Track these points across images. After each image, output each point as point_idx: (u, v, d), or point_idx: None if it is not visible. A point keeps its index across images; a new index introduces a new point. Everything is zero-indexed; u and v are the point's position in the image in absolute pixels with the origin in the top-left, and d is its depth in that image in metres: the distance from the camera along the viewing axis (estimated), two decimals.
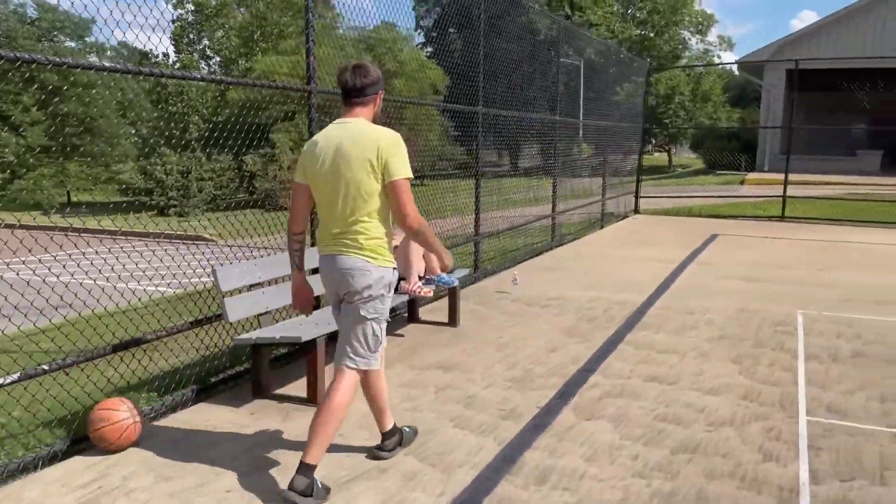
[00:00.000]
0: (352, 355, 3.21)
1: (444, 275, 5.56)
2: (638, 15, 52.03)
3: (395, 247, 5.50)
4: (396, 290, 5.24)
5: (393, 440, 3.58)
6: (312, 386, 4.19)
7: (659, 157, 54.25)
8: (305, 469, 3.06)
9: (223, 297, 4.11)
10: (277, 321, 4.68)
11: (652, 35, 51.73)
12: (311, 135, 5.13)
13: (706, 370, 5.03)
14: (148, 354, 4.50)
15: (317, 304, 5.36)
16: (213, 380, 4.51)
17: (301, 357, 4.92)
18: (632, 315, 6.61)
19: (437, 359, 5.21)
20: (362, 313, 3.15)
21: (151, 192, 29.71)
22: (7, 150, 37.96)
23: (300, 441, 3.65)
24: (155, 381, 4.36)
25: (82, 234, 5.36)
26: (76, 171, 37.60)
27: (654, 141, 50.80)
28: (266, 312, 4.43)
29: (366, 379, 3.31)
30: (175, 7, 47.41)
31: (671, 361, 5.23)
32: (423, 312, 6.48)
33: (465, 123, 8.14)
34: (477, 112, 7.96)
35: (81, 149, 38.79)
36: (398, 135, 3.13)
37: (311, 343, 4.12)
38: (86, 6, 3.77)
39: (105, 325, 4.39)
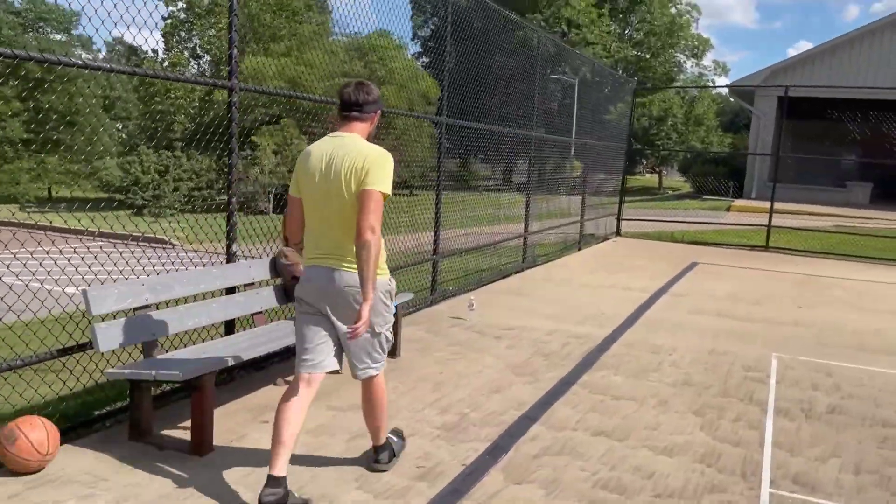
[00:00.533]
0: (373, 365, 3.36)
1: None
2: (635, 36, 51.94)
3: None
4: None
5: (386, 453, 3.62)
6: (198, 430, 3.59)
7: (649, 179, 54.01)
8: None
9: (91, 322, 3.51)
10: (186, 347, 4.09)
11: (648, 56, 51.62)
12: (230, 136, 4.56)
13: (663, 423, 4.46)
14: (10, 383, 3.88)
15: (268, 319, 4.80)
16: (90, 416, 3.89)
17: None
18: (591, 351, 6.04)
19: (360, 397, 4.60)
20: (376, 329, 3.27)
21: (127, 191, 29.03)
22: None
23: (169, 501, 3.06)
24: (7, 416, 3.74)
25: (47, 232, 4.83)
26: (55, 165, 36.89)
27: (644, 162, 50.57)
28: (153, 340, 3.83)
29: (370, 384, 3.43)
30: (167, 4, 46.87)
31: (626, 410, 4.66)
32: None
33: (457, 136, 7.90)
34: (441, 122, 7.41)
35: (62, 144, 38.14)
36: (388, 154, 3.17)
37: (198, 380, 3.52)
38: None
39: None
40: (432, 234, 7.65)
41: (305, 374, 3.23)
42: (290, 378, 3.39)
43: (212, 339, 4.54)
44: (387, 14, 6.80)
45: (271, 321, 4.84)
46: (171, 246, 14.87)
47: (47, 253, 4.15)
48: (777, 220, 14.19)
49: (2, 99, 37.21)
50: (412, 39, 60.98)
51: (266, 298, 4.69)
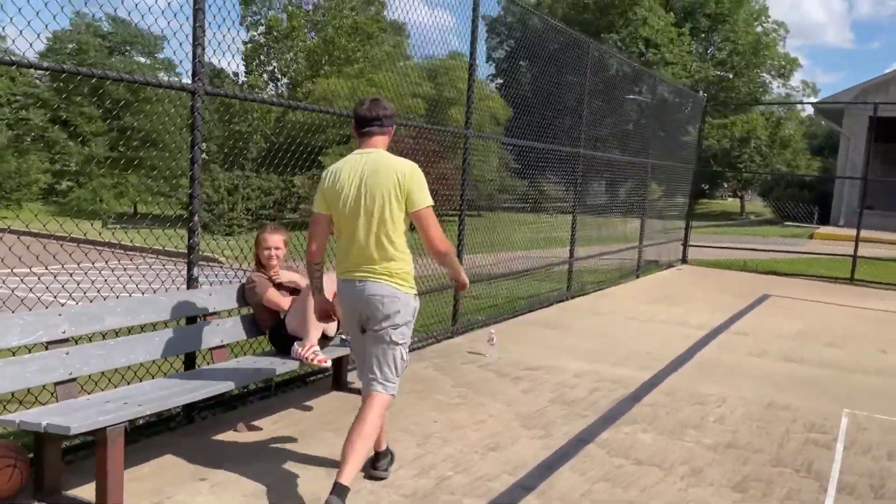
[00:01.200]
0: (383, 381, 3.31)
1: None
2: (717, 55, 50.13)
3: (291, 291, 4.31)
4: (289, 352, 4.03)
5: (386, 461, 3.66)
6: (101, 493, 2.99)
7: (731, 203, 51.79)
8: (341, 490, 3.04)
9: None
10: (118, 388, 3.52)
11: (731, 76, 49.72)
12: (194, 143, 4.02)
13: (691, 501, 3.61)
14: None
15: (231, 353, 4.23)
16: None
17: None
18: (623, 400, 5.19)
19: (329, 450, 3.92)
20: (394, 339, 3.28)
21: (231, 208, 29.51)
22: (71, 159, 38.79)
23: None
24: None
25: (104, 248, 4.71)
26: (136, 183, 38.05)
27: (725, 185, 48.42)
28: (70, 380, 3.27)
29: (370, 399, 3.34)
30: (248, 29, 48.20)
31: (647, 480, 3.82)
32: (355, 376, 5.20)
33: (525, 157, 7.79)
34: (468, 135, 6.75)
35: (144, 162, 39.37)
36: (416, 165, 3.29)
37: (101, 433, 2.93)
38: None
39: None
40: (485, 255, 6.98)
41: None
42: (255, 423, 3.64)
43: (164, 375, 3.97)
44: (463, 37, 6.77)
45: (235, 357, 4.24)
46: (218, 264, 14.64)
47: (92, 267, 3.89)
48: (864, 250, 12.84)
49: (88, 119, 38.81)
50: (486, 61, 60.72)
51: (229, 330, 4.10)
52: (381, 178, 3.19)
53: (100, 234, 4.94)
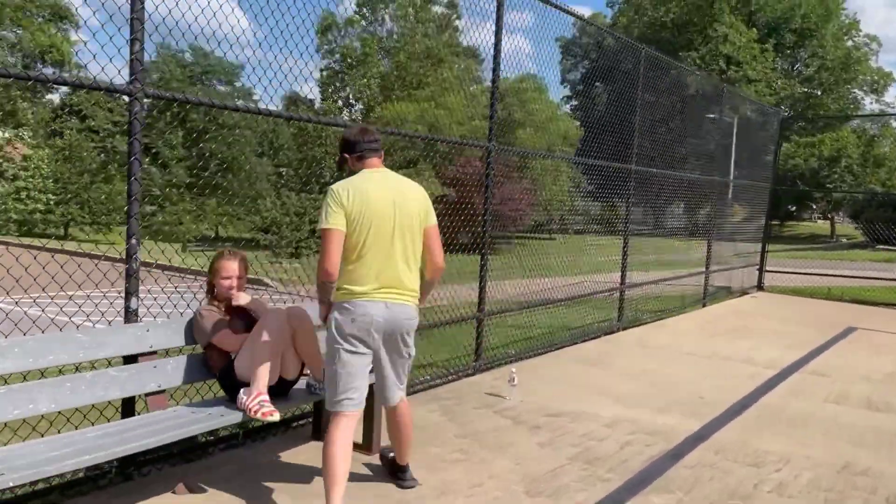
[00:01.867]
0: (403, 387, 3.53)
1: None
2: (804, 71, 47.79)
3: (247, 323, 3.67)
4: (235, 400, 3.40)
5: (410, 472, 3.75)
6: None
7: (820, 226, 48.98)
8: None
9: None
10: (11, 444, 2.95)
11: (819, 93, 47.27)
12: (132, 152, 3.45)
13: None
14: None
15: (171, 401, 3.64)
16: None
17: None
18: (660, 459, 4.32)
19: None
20: (412, 353, 3.46)
21: (267, 231, 29.78)
22: (153, 184, 40.07)
23: None
24: None
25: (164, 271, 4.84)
26: (214, 207, 38.93)
27: (814, 207, 45.74)
28: None
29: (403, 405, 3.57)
30: (323, 57, 49.08)
31: None
32: None
33: (600, 177, 7.62)
34: (490, 148, 6.04)
35: (221, 187, 40.29)
36: None
37: None
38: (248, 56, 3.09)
39: None
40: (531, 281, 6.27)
41: (351, 412, 3.26)
42: (204, 482, 3.42)
43: (92, 424, 3.39)
44: (537, 59, 6.51)
45: (177, 403, 3.62)
46: (263, 287, 14.34)
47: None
48: None
49: (169, 146, 40.05)
50: (561, 83, 60.14)
51: (171, 373, 3.49)
52: (409, 199, 3.33)
53: (182, 258, 4.81)
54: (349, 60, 47.39)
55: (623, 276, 8.47)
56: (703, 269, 10.77)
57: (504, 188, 29.33)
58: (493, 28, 5.94)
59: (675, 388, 5.91)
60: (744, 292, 12.37)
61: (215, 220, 38.07)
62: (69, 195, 35.65)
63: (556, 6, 6.59)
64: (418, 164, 34.62)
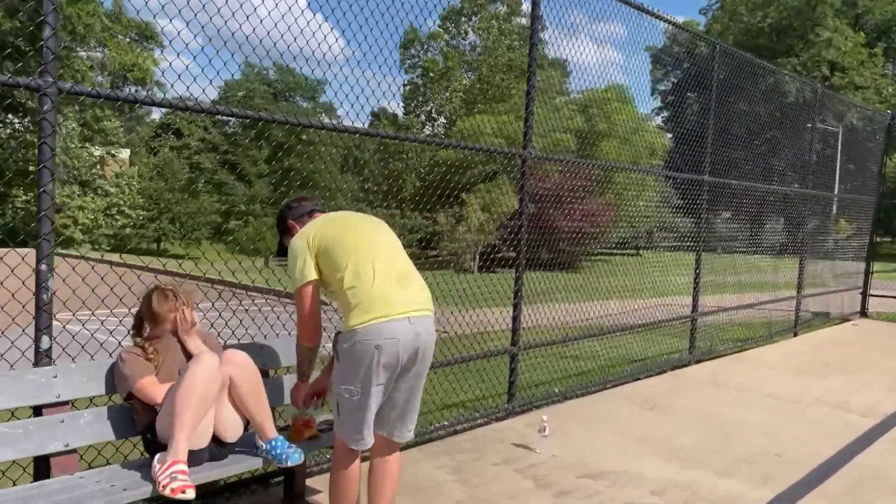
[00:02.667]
0: (412, 427, 3.06)
1: (280, 439, 2.94)
2: None
3: (152, 366, 3.01)
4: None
5: None
6: None
7: None
8: None
9: None
10: None
11: None
12: (41, 160, 2.88)
13: None
14: None
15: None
16: None
17: None
18: None
19: None
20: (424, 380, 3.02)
21: None
22: (237, 199, 41.07)
23: None
24: None
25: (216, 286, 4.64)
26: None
27: None
28: None
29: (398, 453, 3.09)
30: (406, 71, 49.35)
31: None
32: (316, 484, 3.78)
33: (690, 192, 7.16)
34: (525, 156, 5.24)
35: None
36: None
37: None
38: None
39: None
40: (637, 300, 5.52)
41: (359, 450, 2.91)
42: None
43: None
44: (626, 70, 6.57)
45: (90, 466, 3.00)
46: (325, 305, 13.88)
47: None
48: None
49: (252, 162, 40.98)
50: (651, 94, 58.44)
51: (84, 429, 2.87)
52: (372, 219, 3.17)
53: (260, 271, 4.83)
54: (431, 74, 47.37)
55: (695, 300, 7.44)
56: (796, 293, 9.54)
57: (583, 204, 28.26)
58: (531, 25, 5.20)
59: (748, 440, 4.92)
60: (844, 319, 10.99)
61: None
62: (161, 210, 36.87)
63: (649, 12, 6.21)
64: (496, 178, 34.02)
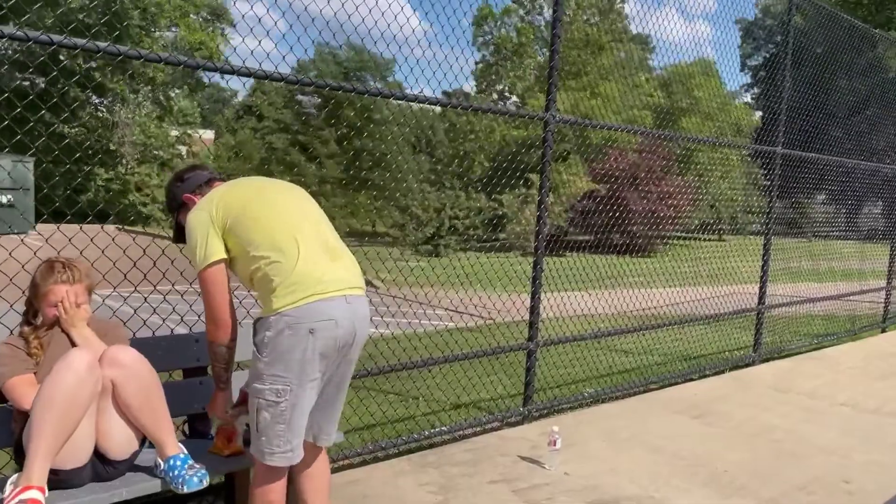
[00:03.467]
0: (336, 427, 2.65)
1: (180, 457, 2.37)
2: None
3: (32, 362, 2.43)
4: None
5: None
6: None
7: None
8: None
9: None
10: None
11: None
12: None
13: None
14: None
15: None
16: None
17: None
18: None
19: None
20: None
21: (403, 227, 29.43)
22: (309, 180, 41.37)
23: None
24: None
25: None
26: (364, 203, 39.61)
27: None
28: None
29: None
30: (479, 49, 48.51)
31: None
32: None
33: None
34: (548, 119, 4.48)
35: (371, 182, 40.87)
36: None
37: None
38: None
39: None
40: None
41: (287, 466, 2.40)
42: None
43: None
44: (712, 44, 5.73)
45: None
46: (373, 289, 13.42)
47: None
48: None
49: (323, 142, 41.09)
50: (741, 70, 55.73)
51: None
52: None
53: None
54: (504, 51, 46.36)
55: (762, 290, 6.51)
56: (885, 284, 8.41)
57: (660, 185, 26.84)
58: None
59: (810, 461, 4.07)
60: None
61: (365, 216, 38.53)
62: None
63: None
64: (568, 158, 32.91)
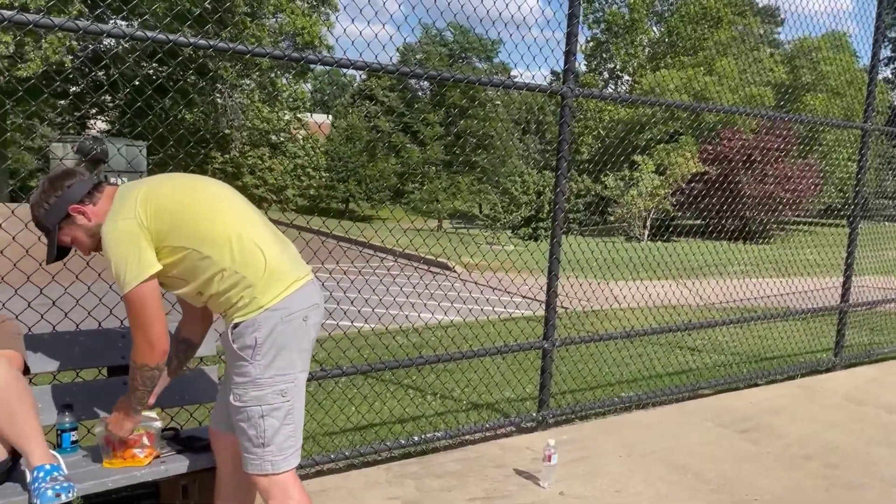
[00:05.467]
0: None
1: (44, 467, 2.13)
2: None
3: None
4: None
5: None
6: None
7: None
8: None
9: None
10: None
11: None
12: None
13: None
14: None
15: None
16: None
17: None
18: None
19: None
20: None
21: (506, 210, 29.01)
22: (413, 162, 41.65)
23: None
24: None
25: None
26: (467, 184, 39.48)
27: None
28: None
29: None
30: (589, 27, 47.19)
31: None
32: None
33: None
34: (564, 93, 3.97)
35: (476, 163, 40.68)
36: None
37: None
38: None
39: None
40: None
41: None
42: None
43: None
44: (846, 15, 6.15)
45: None
46: (451, 273, 13.12)
47: None
48: None
49: (428, 124, 41.19)
50: (883, 43, 51.61)
51: None
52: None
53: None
54: (615, 29, 44.82)
55: (846, 287, 5.70)
56: None
57: (777, 167, 24.95)
58: None
59: (866, 497, 3.42)
60: None
61: (468, 198, 38.34)
62: (349, 173, 38.17)
63: None
64: (679, 139, 31.30)
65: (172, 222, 2.12)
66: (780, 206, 24.09)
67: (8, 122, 22.83)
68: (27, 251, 2.85)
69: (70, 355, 2.63)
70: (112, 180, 2.70)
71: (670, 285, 8.27)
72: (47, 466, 2.13)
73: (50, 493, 2.07)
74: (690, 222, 27.59)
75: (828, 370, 5.59)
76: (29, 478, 2.13)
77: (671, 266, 7.15)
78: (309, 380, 3.33)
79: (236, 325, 2.14)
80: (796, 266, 6.69)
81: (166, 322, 2.19)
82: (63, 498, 2.08)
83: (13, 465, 2.25)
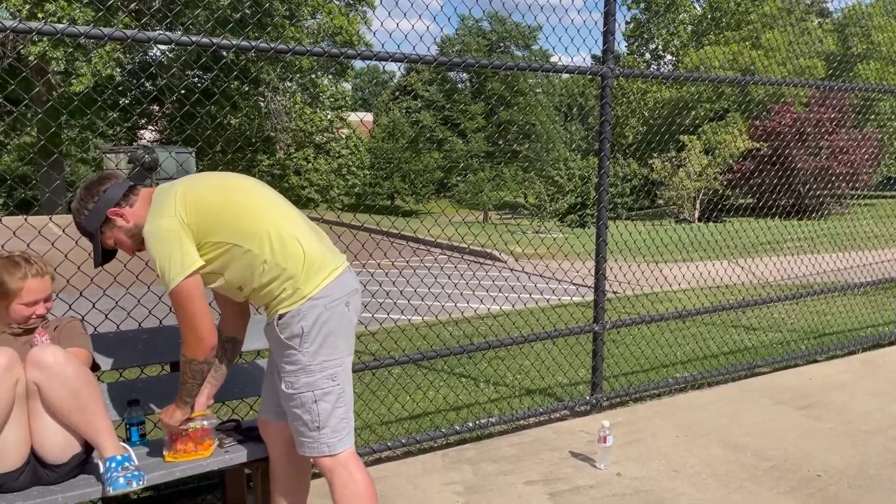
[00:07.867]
0: None
1: (116, 458, 2.23)
2: None
3: None
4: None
5: None
6: None
7: None
8: None
9: None
10: None
11: None
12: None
13: None
14: None
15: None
16: None
17: None
18: None
19: None
20: None
21: (552, 198, 28.83)
22: (456, 155, 41.63)
23: None
24: None
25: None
26: (510, 175, 39.29)
27: None
28: None
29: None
30: (629, 7, 46.47)
31: None
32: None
33: None
34: (605, 73, 3.94)
35: (518, 154, 40.44)
36: None
37: None
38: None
39: None
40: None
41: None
42: None
43: None
44: None
45: None
46: (501, 263, 13.10)
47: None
48: None
49: (469, 115, 41.11)
50: None
51: None
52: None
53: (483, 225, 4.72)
54: (655, 7, 44.07)
55: None
56: None
57: (831, 139, 24.20)
58: None
59: None
60: None
61: (513, 187, 38.19)
62: (393, 169, 38.33)
63: None
64: (727, 116, 30.58)
65: (212, 219, 2.18)
66: (836, 180, 23.38)
67: (63, 136, 23.58)
68: (90, 254, 2.96)
69: (134, 353, 2.74)
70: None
71: (723, 265, 8.14)
72: (119, 457, 2.23)
73: (122, 480, 2.17)
74: (742, 201, 26.95)
75: (891, 344, 5.44)
76: (102, 468, 2.24)
77: (723, 246, 7.06)
78: (364, 370, 3.43)
79: (281, 316, 2.19)
80: (854, 239, 6.53)
81: (212, 316, 2.25)
82: (134, 485, 2.18)
83: (86, 458, 2.36)
